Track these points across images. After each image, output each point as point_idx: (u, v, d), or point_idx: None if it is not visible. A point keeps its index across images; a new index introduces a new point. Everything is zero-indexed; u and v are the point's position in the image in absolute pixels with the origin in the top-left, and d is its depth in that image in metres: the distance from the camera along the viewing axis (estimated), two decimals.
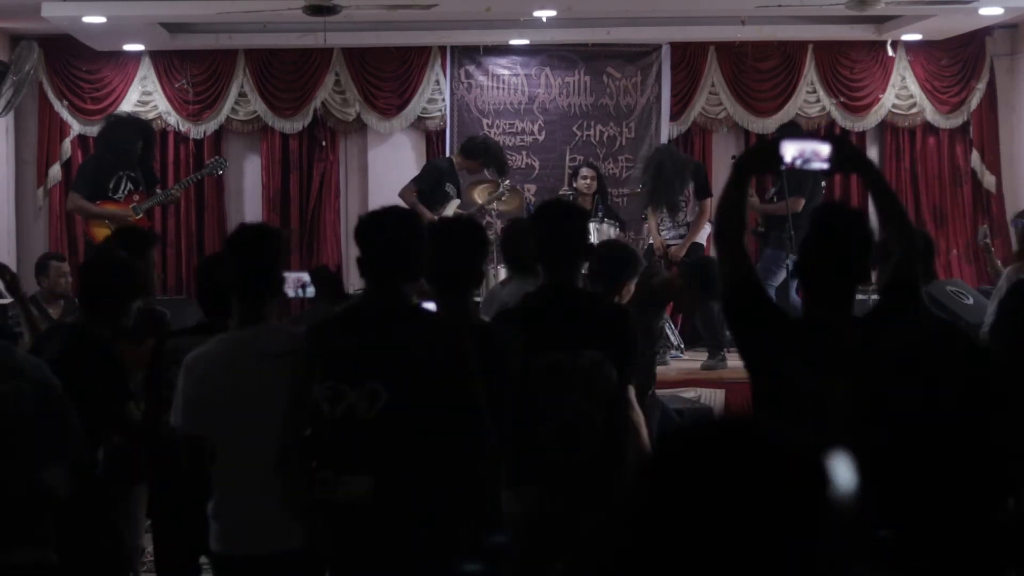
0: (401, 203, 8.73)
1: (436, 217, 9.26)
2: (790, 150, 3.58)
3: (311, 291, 4.52)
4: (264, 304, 3.93)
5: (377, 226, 3.75)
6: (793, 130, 10.00)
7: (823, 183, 9.65)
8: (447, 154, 10.75)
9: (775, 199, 9.40)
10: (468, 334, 3.64)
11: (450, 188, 9.54)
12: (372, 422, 3.48)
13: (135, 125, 9.61)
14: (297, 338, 3.84)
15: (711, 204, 9.50)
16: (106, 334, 4.56)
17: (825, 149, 3.59)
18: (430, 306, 3.99)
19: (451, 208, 9.52)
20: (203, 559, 4.41)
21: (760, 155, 3.85)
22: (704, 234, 9.41)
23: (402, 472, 3.47)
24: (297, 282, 4.54)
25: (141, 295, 4.81)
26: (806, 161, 3.58)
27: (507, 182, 9.86)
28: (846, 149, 3.75)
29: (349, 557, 3.58)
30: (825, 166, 3.61)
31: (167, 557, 4.62)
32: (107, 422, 4.36)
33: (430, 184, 9.42)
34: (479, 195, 9.67)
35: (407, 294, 3.73)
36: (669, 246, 9.38)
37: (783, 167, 3.63)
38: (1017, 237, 9.74)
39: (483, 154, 9.67)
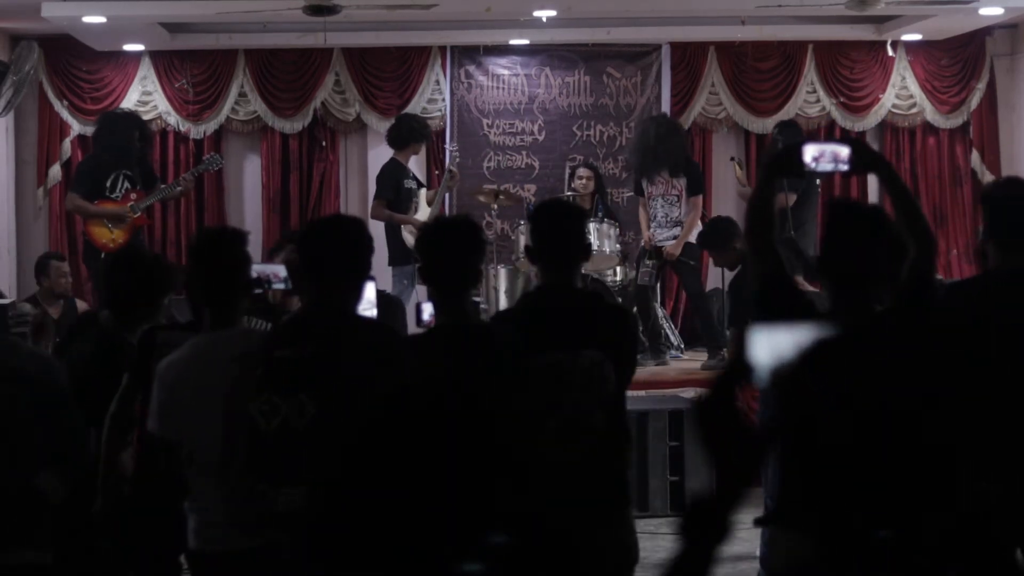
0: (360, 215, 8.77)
1: (416, 217, 9.28)
2: (809, 152, 3.65)
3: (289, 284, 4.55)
4: (233, 307, 3.94)
5: (318, 235, 3.77)
6: (791, 128, 10.02)
7: (818, 181, 9.65)
8: (446, 153, 10.76)
9: None
10: (405, 342, 3.65)
11: (409, 183, 9.54)
12: (304, 433, 3.48)
13: (129, 118, 9.63)
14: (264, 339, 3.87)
15: (702, 201, 9.53)
16: (133, 340, 4.55)
17: (844, 151, 3.66)
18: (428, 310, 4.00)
19: (423, 199, 9.55)
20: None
21: (786, 159, 3.91)
22: (697, 232, 9.41)
23: (336, 482, 3.47)
24: (275, 276, 4.55)
25: (169, 291, 4.81)
26: (827, 163, 3.65)
27: (445, 176, 9.88)
28: (864, 151, 3.81)
29: (300, 562, 3.59)
30: (845, 167, 3.68)
31: (146, 556, 4.62)
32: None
33: (391, 191, 9.41)
34: (429, 198, 9.66)
35: (350, 303, 3.74)
36: (662, 245, 9.36)
37: (805, 169, 3.70)
38: None
39: (406, 136, 9.63)
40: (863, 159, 3.75)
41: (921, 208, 3.79)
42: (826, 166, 3.67)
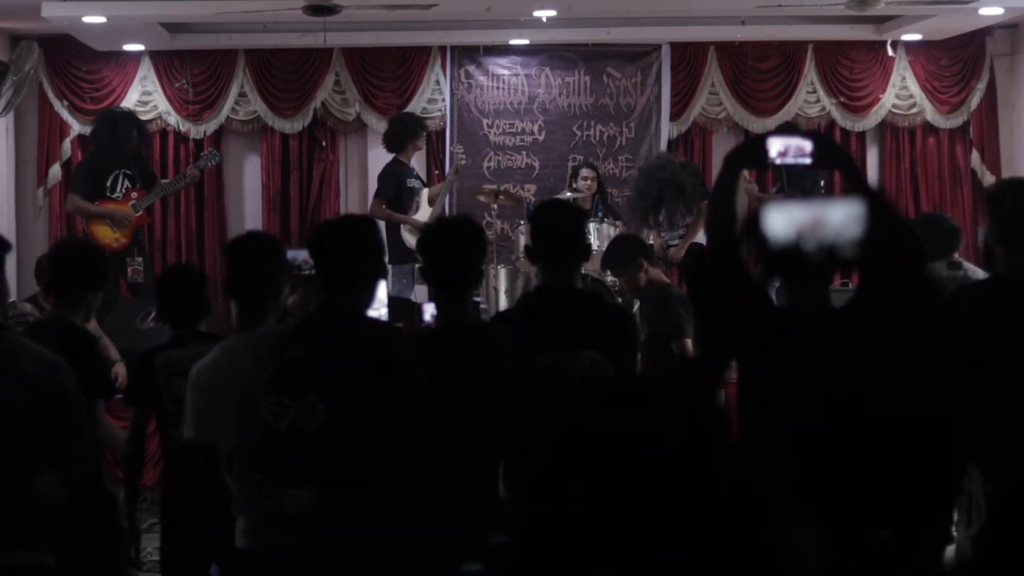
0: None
1: (415, 217, 9.29)
2: (775, 146, 3.66)
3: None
4: (263, 309, 3.98)
5: (329, 237, 3.78)
6: (791, 130, 10.02)
7: (822, 183, 9.65)
8: (446, 153, 10.76)
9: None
10: (413, 344, 3.65)
11: (412, 182, 9.56)
12: (314, 435, 3.48)
13: (126, 117, 9.65)
14: None
15: (707, 205, 9.48)
16: (82, 325, 4.71)
17: (808, 145, 3.67)
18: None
19: (424, 198, 9.56)
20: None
21: (749, 150, 3.90)
22: (703, 234, 9.38)
23: (344, 484, 3.47)
24: (306, 262, 4.65)
25: (106, 278, 4.92)
26: (792, 157, 3.66)
27: (451, 171, 9.90)
28: (827, 146, 3.81)
29: (305, 564, 3.59)
30: (808, 161, 3.69)
31: (175, 565, 4.65)
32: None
33: (392, 190, 9.42)
34: (431, 196, 9.69)
35: (362, 304, 3.75)
36: (669, 246, 9.36)
37: (770, 163, 3.70)
38: None
39: (401, 137, 9.63)
40: (826, 154, 3.77)
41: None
42: (790, 160, 3.69)
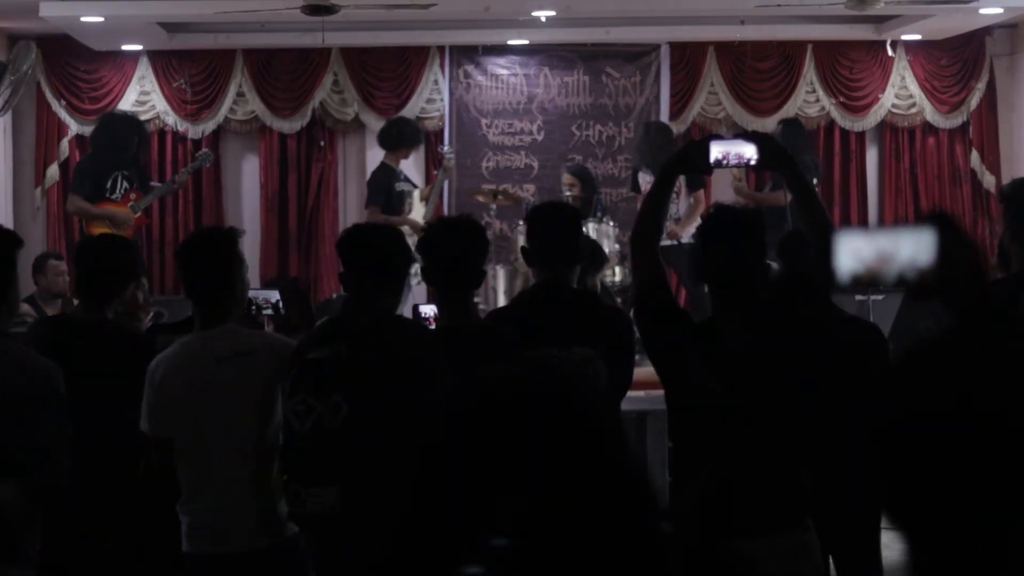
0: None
1: (411, 218, 9.28)
2: (716, 150, 3.67)
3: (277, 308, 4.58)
4: (222, 306, 3.93)
5: (361, 240, 3.77)
6: (794, 126, 10.00)
7: (816, 179, 9.62)
8: (444, 153, 10.76)
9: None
10: (439, 345, 3.64)
11: (401, 185, 9.54)
12: (338, 434, 3.48)
13: (129, 122, 9.63)
14: (254, 339, 3.91)
15: (703, 196, 9.43)
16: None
17: (749, 149, 3.70)
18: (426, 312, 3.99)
19: (417, 199, 9.54)
20: None
21: (689, 156, 3.89)
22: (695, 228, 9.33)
23: (368, 483, 3.45)
24: (266, 301, 4.62)
25: (134, 277, 4.82)
26: (731, 162, 3.68)
27: (440, 171, 9.88)
28: (770, 148, 3.81)
29: (328, 563, 3.58)
30: (754, 163, 3.71)
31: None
32: None
33: (382, 195, 9.41)
34: (424, 195, 9.68)
35: (390, 307, 3.74)
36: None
37: (711, 167, 3.72)
38: None
39: (396, 140, 9.62)
40: (767, 156, 3.76)
41: (821, 202, 3.83)
42: (731, 164, 3.71)
